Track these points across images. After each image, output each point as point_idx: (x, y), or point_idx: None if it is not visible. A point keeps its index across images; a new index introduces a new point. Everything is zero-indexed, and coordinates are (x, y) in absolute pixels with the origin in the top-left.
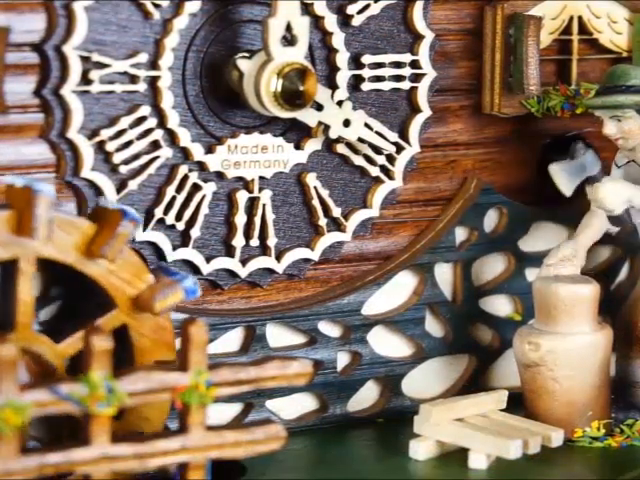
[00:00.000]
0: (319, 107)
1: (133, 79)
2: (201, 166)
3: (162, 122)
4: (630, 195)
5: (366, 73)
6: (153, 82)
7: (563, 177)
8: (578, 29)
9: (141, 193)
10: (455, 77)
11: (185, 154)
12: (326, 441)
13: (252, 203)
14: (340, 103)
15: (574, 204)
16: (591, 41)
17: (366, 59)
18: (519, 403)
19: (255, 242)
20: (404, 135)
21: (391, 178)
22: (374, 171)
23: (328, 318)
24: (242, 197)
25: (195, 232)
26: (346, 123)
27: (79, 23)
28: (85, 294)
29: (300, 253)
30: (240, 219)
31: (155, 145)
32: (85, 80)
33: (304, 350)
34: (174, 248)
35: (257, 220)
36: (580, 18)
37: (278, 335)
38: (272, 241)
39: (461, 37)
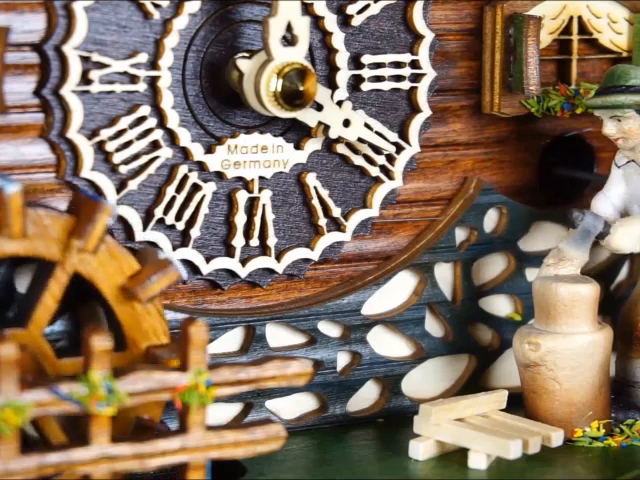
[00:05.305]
0: (319, 107)
1: (133, 79)
2: (201, 166)
3: (162, 122)
4: None
5: (366, 73)
6: (153, 82)
7: (575, 248)
8: (578, 29)
9: (141, 193)
10: (455, 77)
11: (185, 154)
12: (326, 441)
13: (252, 203)
14: (340, 103)
15: (574, 204)
16: (591, 41)
17: (366, 59)
18: (519, 403)
19: (255, 242)
20: (404, 135)
21: (391, 178)
22: (374, 171)
23: (328, 318)
24: (242, 197)
25: (195, 232)
26: (346, 123)
27: (79, 23)
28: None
29: (300, 253)
30: (240, 219)
31: (155, 145)
32: (85, 80)
33: (304, 350)
34: (174, 248)
35: (257, 220)
36: (580, 18)
37: (278, 335)
38: (272, 241)
39: (461, 37)
